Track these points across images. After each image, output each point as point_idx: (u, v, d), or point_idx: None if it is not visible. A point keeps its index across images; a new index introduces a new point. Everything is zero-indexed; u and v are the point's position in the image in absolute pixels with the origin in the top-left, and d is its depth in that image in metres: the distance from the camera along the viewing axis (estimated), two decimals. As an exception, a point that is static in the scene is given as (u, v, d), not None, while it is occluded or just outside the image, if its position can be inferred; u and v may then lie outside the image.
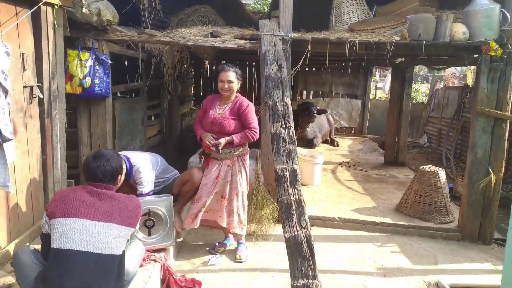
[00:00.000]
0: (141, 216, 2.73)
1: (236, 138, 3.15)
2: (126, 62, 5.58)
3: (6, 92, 2.15)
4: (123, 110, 5.05)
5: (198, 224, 3.25)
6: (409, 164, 6.79)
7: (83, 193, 2.07)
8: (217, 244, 3.52)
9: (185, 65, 6.18)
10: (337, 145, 8.03)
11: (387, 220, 4.23)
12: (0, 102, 2.05)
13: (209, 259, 3.25)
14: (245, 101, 3.25)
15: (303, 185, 5.14)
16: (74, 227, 1.93)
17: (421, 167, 4.46)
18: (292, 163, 2.98)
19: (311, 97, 9.38)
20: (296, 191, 2.87)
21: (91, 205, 2.01)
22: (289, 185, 2.88)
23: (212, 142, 3.11)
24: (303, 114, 6.91)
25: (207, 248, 3.52)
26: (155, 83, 5.64)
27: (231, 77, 3.16)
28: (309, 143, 7.49)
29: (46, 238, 2.05)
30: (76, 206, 1.99)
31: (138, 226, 2.21)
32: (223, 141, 3.12)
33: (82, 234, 1.93)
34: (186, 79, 7.13)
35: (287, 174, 2.91)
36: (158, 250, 2.85)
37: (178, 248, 3.40)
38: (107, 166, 2.17)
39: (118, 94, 6.13)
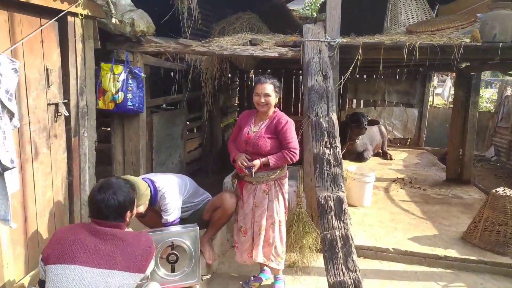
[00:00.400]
0: (165, 248, 2.44)
1: (272, 159, 2.78)
2: (165, 74, 5.41)
3: (11, 114, 1.94)
4: (162, 124, 4.87)
5: (260, 258, 2.91)
6: (474, 182, 6.01)
7: (84, 233, 1.79)
8: (252, 278, 3.15)
9: (228, 75, 5.91)
10: (390, 159, 7.37)
11: (452, 253, 3.61)
12: (0, 125, 1.83)
13: None
14: (284, 117, 2.87)
15: (351, 206, 4.66)
16: (69, 276, 1.66)
17: (494, 191, 3.79)
18: (338, 190, 2.55)
19: (361, 107, 8.77)
20: (342, 224, 2.43)
21: (90, 248, 1.73)
22: (333, 217, 2.45)
23: (246, 164, 2.75)
24: (353, 126, 6.38)
25: (241, 282, 3.15)
26: (196, 94, 5.42)
27: (268, 90, 2.80)
28: (359, 157, 6.94)
29: (42, 286, 1.80)
30: (73, 249, 1.71)
31: (149, 269, 1.89)
32: (257, 163, 2.76)
33: (77, 284, 1.64)
34: (230, 89, 6.88)
35: (332, 204, 2.47)
36: (182, 288, 2.54)
37: (208, 281, 3.07)
38: (111, 200, 1.88)
39: (163, 105, 6.01)
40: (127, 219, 1.91)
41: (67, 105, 2.88)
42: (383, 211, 4.69)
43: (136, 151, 3.78)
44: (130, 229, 2.33)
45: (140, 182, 2.60)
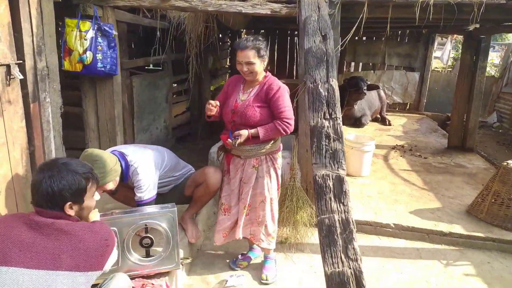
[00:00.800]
0: (138, 231, 2.11)
1: (262, 131, 2.41)
2: (148, 34, 4.90)
3: None
4: (143, 87, 4.44)
5: (240, 236, 2.62)
6: (477, 150, 5.72)
7: (20, 226, 1.43)
8: (240, 256, 2.86)
9: (217, 35, 5.41)
10: (389, 124, 7.04)
11: (457, 228, 3.35)
12: None
13: (227, 280, 2.61)
14: (276, 83, 2.47)
15: (349, 175, 4.35)
16: (1, 281, 1.33)
17: (505, 163, 3.48)
18: (338, 167, 2.20)
19: (360, 70, 8.31)
20: (342, 207, 2.10)
21: (28, 245, 1.38)
22: (332, 198, 2.11)
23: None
24: (351, 91, 5.99)
25: (228, 261, 2.87)
26: (182, 56, 4.95)
27: (250, 56, 2.37)
28: (356, 122, 6.60)
29: None
30: (5, 248, 1.36)
31: (109, 264, 1.56)
32: (244, 133, 2.39)
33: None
34: (219, 50, 6.37)
35: (331, 184, 2.13)
36: (159, 274, 2.23)
37: (191, 261, 2.78)
38: (44, 185, 1.47)
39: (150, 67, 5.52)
40: (68, 212, 1.54)
41: (21, 66, 2.45)
42: (382, 181, 4.40)
43: (111, 117, 3.38)
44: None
45: (108, 156, 2.24)
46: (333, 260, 1.98)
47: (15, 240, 1.36)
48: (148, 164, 2.38)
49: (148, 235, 2.19)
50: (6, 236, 1.37)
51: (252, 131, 2.40)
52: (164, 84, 4.90)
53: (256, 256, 2.91)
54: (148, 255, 2.21)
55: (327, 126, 2.29)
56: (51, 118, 2.75)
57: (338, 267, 1.95)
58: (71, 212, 1.48)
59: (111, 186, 2.26)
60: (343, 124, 6.55)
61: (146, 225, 2.15)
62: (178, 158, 2.78)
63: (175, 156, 2.73)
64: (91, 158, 2.15)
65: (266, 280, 2.66)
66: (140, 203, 2.34)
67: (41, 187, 1.48)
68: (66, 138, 2.98)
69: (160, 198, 2.72)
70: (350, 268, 1.94)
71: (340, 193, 2.12)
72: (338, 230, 2.03)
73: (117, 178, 2.29)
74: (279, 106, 2.42)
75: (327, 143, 2.25)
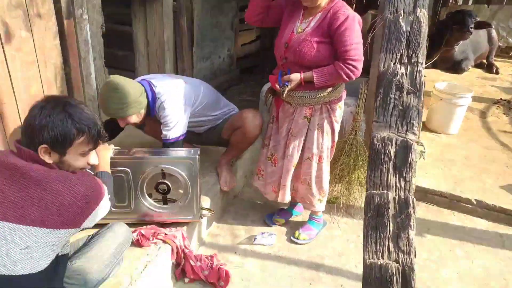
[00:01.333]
0: (155, 175, 1.86)
1: (318, 75, 1.91)
2: None
3: None
4: (205, 10, 4.02)
5: (287, 198, 2.29)
6: None
7: None
8: (277, 212, 2.54)
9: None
10: (496, 72, 5.83)
11: (562, 218, 2.63)
12: None
13: (256, 236, 2.33)
14: (343, 11, 1.89)
15: (430, 131, 3.68)
16: None
17: None
18: (407, 130, 1.66)
19: (470, 3, 6.84)
20: (403, 183, 1.61)
21: None
22: (391, 170, 1.62)
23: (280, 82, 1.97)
24: (454, 28, 4.91)
25: (264, 214, 2.57)
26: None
27: None
28: (454, 67, 5.55)
29: None
30: None
31: (89, 222, 1.31)
32: (295, 77, 1.92)
33: None
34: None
35: (392, 151, 1.63)
36: (176, 223, 2.01)
37: (223, 208, 2.54)
38: (31, 114, 1.23)
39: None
40: (42, 156, 1.25)
41: (53, -26, 2.17)
42: (473, 144, 3.63)
43: (161, 42, 3.06)
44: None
45: (132, 86, 1.95)
46: (377, 247, 1.56)
47: None
48: (177, 99, 2.06)
49: (164, 181, 1.93)
50: None
51: (307, 74, 1.91)
52: (230, 8, 4.42)
53: (297, 214, 2.57)
54: (165, 202, 1.98)
55: (402, 74, 1.70)
56: (90, 38, 2.51)
57: (382, 258, 1.52)
58: (46, 158, 1.23)
59: (134, 119, 2.01)
60: (437, 68, 5.60)
61: (162, 170, 1.89)
62: (219, 95, 2.42)
63: (215, 93, 2.38)
64: (111, 86, 1.89)
65: (297, 238, 2.34)
66: (166, 142, 2.07)
67: (27, 116, 1.24)
68: (115, 58, 2.78)
69: (196, 138, 2.44)
70: (397, 263, 1.50)
71: (403, 165, 1.61)
72: (391, 212, 1.57)
73: (142, 111, 2.02)
74: (345, 42, 1.87)
75: (397, 96, 1.69)
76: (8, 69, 2.10)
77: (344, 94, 2.15)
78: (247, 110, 2.33)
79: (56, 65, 2.39)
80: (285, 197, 2.24)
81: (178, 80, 2.17)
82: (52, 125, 1.20)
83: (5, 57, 2.04)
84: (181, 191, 1.94)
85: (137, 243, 1.82)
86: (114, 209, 1.87)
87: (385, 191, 1.58)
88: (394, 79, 1.69)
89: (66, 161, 1.25)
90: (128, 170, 1.84)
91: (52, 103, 1.25)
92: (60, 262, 1.27)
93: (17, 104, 2.20)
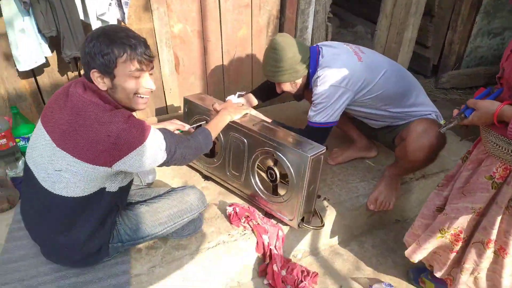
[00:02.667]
0: (265, 157, 1.59)
1: None
2: None
3: None
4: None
5: (416, 257, 1.49)
6: None
7: (67, 85, 1.24)
8: (430, 273, 1.69)
9: None
10: None
11: None
12: None
13: (375, 286, 1.64)
14: None
15: None
16: (35, 133, 1.25)
17: None
18: None
19: None
20: None
21: (54, 108, 1.21)
22: None
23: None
24: None
25: (410, 272, 1.76)
26: None
27: None
28: None
29: None
30: (50, 103, 1.24)
31: (121, 166, 1.18)
32: (485, 108, 1.09)
33: (35, 142, 1.23)
34: None
35: None
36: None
37: (362, 228, 1.90)
38: (88, 38, 1.16)
39: None
40: (95, 80, 1.17)
41: None
42: None
43: (408, 2, 2.44)
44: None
45: (295, 50, 1.60)
46: None
47: (54, 99, 1.25)
48: (336, 78, 1.56)
49: (274, 167, 1.59)
50: (57, 94, 1.24)
51: (507, 110, 1.04)
52: None
53: None
54: (274, 191, 1.66)
55: None
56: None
57: None
58: (100, 84, 1.17)
59: (287, 87, 1.71)
60: None
61: (273, 154, 1.55)
62: (415, 89, 1.70)
63: (405, 85, 1.67)
64: (271, 45, 1.62)
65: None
66: (309, 125, 1.68)
67: (81, 46, 1.23)
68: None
69: (370, 133, 1.91)
70: None
71: None
72: None
73: (298, 81, 1.68)
74: None
75: None
76: (219, 10, 2.19)
77: None
78: (422, 121, 1.56)
79: (272, 12, 2.32)
80: (415, 255, 1.45)
81: (352, 57, 1.64)
82: (97, 48, 1.15)
83: (219, -2, 2.14)
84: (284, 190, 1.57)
85: (228, 217, 1.66)
86: (229, 173, 1.76)
87: None
88: None
89: (118, 84, 1.19)
90: (245, 140, 1.62)
91: (98, 30, 1.19)
92: (104, 197, 1.29)
93: (222, 44, 2.31)
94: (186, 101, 1.86)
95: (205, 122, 1.78)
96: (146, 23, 2.06)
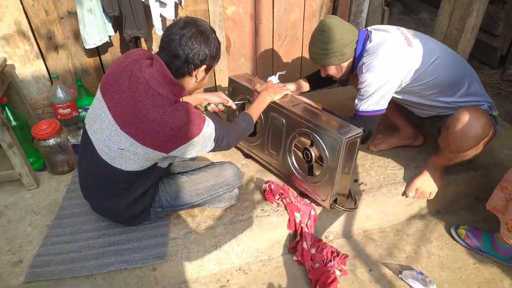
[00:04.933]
0: (303, 137, 1.62)
1: None
2: None
3: None
4: None
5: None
6: None
7: (133, 66, 1.27)
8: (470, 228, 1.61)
9: None
10: None
11: None
12: None
13: (404, 272, 1.60)
14: None
15: None
16: (95, 105, 1.33)
17: None
18: None
19: None
20: None
21: (116, 87, 1.26)
22: None
23: None
24: None
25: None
26: None
27: None
28: None
29: None
30: (112, 80, 1.28)
31: (177, 153, 1.29)
32: None
33: (96, 116, 1.31)
34: None
35: None
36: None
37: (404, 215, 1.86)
38: (184, 20, 1.25)
39: None
40: (197, 76, 1.29)
41: None
42: None
43: None
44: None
45: (344, 32, 1.57)
46: None
47: (118, 78, 1.27)
48: (384, 65, 1.51)
49: (310, 148, 1.60)
50: (121, 71, 1.28)
51: None
52: None
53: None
54: (309, 171, 1.67)
55: None
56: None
57: None
58: (198, 77, 1.27)
59: (332, 71, 1.70)
60: None
61: (310, 135, 1.56)
62: (468, 77, 1.60)
63: (456, 73, 1.57)
64: (320, 26, 1.61)
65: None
66: (356, 114, 1.65)
67: (175, 36, 1.22)
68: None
69: (416, 120, 1.86)
70: None
71: None
72: None
73: (344, 65, 1.66)
74: None
75: None
76: (273, -6, 2.22)
77: None
78: (469, 110, 1.46)
79: (325, -6, 2.31)
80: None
81: (402, 42, 1.58)
82: (217, 45, 1.29)
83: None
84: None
85: (263, 193, 1.72)
86: (267, 152, 1.81)
87: None
88: None
89: (205, 77, 1.34)
90: (284, 121, 1.65)
91: (203, 24, 1.26)
92: (154, 171, 1.41)
93: (273, 27, 2.34)
94: (231, 81, 1.93)
95: (247, 101, 1.84)
96: (201, 5, 2.16)
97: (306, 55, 2.49)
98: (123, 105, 1.24)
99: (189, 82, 1.32)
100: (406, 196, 1.75)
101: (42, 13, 1.93)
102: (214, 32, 1.31)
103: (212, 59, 1.30)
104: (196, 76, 1.30)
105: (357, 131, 1.46)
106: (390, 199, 1.76)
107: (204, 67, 1.29)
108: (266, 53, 2.43)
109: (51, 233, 1.53)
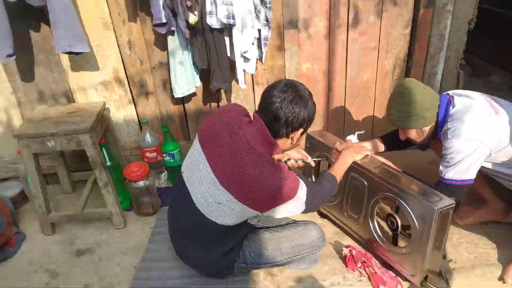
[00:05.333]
0: (387, 202, 1.61)
1: None
2: None
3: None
4: None
5: None
6: None
7: (234, 124, 1.34)
8: None
9: None
10: None
11: None
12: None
13: None
14: None
15: None
16: (194, 155, 1.39)
17: None
18: None
19: None
20: None
21: (216, 142, 1.33)
22: None
23: None
24: None
25: None
26: None
27: None
28: None
29: None
30: (213, 135, 1.35)
31: (271, 213, 1.34)
32: None
33: (194, 167, 1.37)
34: None
35: None
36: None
37: None
38: (283, 88, 1.29)
39: None
40: (294, 138, 1.35)
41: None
42: None
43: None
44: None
45: (424, 96, 1.58)
46: None
47: (220, 135, 1.33)
48: (471, 133, 1.48)
49: (395, 214, 1.58)
50: (221, 127, 1.34)
51: None
52: None
53: None
54: (394, 240, 1.63)
55: None
56: (448, 33, 2.24)
57: None
58: (295, 139, 1.35)
59: (413, 135, 1.68)
60: None
61: (394, 201, 1.54)
62: None
63: None
64: (399, 89, 1.62)
65: None
66: (441, 181, 1.58)
67: (278, 100, 1.27)
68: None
69: (506, 194, 1.80)
70: None
71: None
72: None
73: (425, 129, 1.66)
74: None
75: None
76: (346, 51, 2.28)
77: None
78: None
79: (398, 56, 2.34)
80: None
81: (488, 109, 1.56)
82: (313, 109, 1.36)
83: (347, 39, 2.24)
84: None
85: (343, 259, 1.67)
86: (346, 214, 1.78)
87: None
88: None
89: (300, 138, 1.39)
90: (365, 183, 1.64)
91: (302, 89, 1.32)
92: (244, 227, 1.44)
93: (345, 85, 2.37)
94: (309, 137, 1.97)
95: (325, 158, 1.86)
96: (279, 61, 2.25)
97: (378, 114, 2.51)
98: (223, 161, 1.30)
99: (285, 143, 1.37)
100: (504, 282, 1.61)
101: (137, 63, 2.10)
102: (312, 96, 1.36)
103: (309, 123, 1.36)
104: (292, 138, 1.35)
105: (450, 201, 1.41)
106: (485, 283, 1.62)
107: (301, 130, 1.35)
108: (338, 110, 2.47)
109: (139, 275, 1.60)
